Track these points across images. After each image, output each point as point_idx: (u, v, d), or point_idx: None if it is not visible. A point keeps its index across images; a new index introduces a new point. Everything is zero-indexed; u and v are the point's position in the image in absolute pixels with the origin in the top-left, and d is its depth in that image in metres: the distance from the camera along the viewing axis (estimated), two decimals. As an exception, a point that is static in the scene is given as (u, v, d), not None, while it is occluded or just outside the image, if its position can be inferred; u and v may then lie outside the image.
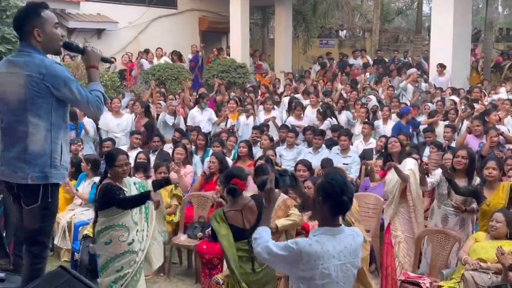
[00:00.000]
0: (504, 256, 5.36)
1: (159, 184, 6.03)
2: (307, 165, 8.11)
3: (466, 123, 11.13)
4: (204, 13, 21.28)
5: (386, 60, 22.52)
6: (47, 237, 4.18)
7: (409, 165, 6.82)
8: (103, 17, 17.82)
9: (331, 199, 3.35)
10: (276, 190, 3.65)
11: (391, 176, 6.90)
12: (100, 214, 5.59)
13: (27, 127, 3.88)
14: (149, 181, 6.21)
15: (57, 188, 4.10)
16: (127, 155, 5.93)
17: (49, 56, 4.08)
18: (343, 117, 12.24)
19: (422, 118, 11.88)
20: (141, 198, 5.59)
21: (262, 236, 3.48)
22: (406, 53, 25.19)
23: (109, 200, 5.52)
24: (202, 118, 12.36)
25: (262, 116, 12.42)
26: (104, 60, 4.47)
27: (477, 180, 6.67)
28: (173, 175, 8.02)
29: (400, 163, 6.93)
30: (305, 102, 13.46)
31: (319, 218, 3.49)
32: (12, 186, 3.99)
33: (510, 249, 5.50)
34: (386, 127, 11.43)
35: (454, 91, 14.08)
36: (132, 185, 5.80)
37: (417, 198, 6.81)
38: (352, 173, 9.66)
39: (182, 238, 7.76)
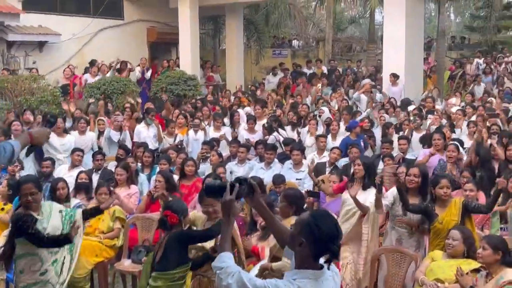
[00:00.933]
0: (464, 277, 5.21)
1: (90, 214, 5.78)
2: (258, 182, 7.89)
3: (415, 134, 11.14)
4: (153, 24, 20.90)
5: (340, 70, 22.52)
6: None
7: (372, 197, 6.65)
8: (45, 29, 17.29)
9: (318, 245, 3.00)
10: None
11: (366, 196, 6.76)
12: (16, 240, 5.41)
13: None
14: (78, 211, 5.92)
15: None
16: (37, 183, 5.73)
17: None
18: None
19: (378, 130, 11.79)
20: (58, 241, 5.44)
21: (229, 264, 3.04)
22: (359, 62, 25.31)
23: (20, 231, 5.35)
24: (148, 134, 12.02)
25: (212, 133, 12.13)
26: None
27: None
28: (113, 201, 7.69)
29: (364, 186, 6.81)
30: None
31: (298, 257, 3.10)
32: None
33: (469, 269, 5.36)
34: (335, 143, 11.25)
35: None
36: (55, 213, 5.55)
37: (374, 225, 6.71)
38: (305, 189, 9.46)
39: (126, 263, 7.43)
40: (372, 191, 6.78)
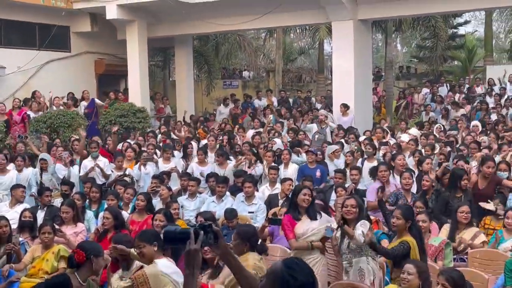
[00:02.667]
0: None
1: None
2: (210, 217, 7.74)
3: (367, 164, 11.18)
4: (101, 56, 20.62)
5: (291, 100, 22.63)
6: None
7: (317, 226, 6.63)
8: (-11, 62, 16.92)
9: None
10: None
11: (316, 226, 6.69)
12: None
13: None
14: None
15: None
16: None
17: None
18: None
19: (341, 160, 11.76)
20: None
21: None
22: (309, 92, 25.50)
23: None
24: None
25: (161, 165, 11.92)
26: None
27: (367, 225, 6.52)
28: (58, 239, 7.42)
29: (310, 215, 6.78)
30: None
31: None
32: None
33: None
34: (287, 171, 11.23)
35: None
36: None
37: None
38: (258, 222, 9.29)
39: (72, 306, 7.08)
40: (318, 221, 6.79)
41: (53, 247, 7.26)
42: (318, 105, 20.02)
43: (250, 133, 15.15)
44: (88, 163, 11.86)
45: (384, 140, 12.80)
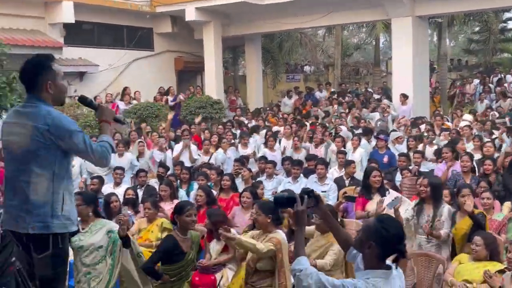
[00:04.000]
0: (492, 279, 5.20)
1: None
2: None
3: (429, 148, 11.15)
4: (179, 54, 21.11)
5: (349, 91, 22.60)
6: (62, 282, 3.91)
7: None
8: (84, 61, 17.51)
9: (387, 246, 3.03)
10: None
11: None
12: None
13: (30, 177, 3.65)
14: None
15: (67, 236, 3.84)
16: (85, 197, 5.82)
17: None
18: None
19: (402, 146, 11.77)
20: None
21: (307, 266, 3.08)
22: (367, 85, 25.35)
23: None
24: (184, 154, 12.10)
25: (240, 150, 12.22)
26: (117, 120, 4.24)
27: (445, 207, 6.59)
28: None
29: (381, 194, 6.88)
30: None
31: (367, 259, 3.12)
32: (21, 236, 3.71)
33: (495, 270, 5.35)
34: (354, 155, 11.33)
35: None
36: (102, 232, 5.65)
37: None
38: (330, 200, 9.45)
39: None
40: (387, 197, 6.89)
41: (157, 220, 7.59)
42: (376, 96, 20.00)
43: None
44: (179, 148, 12.28)
45: (444, 127, 12.70)
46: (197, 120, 14.10)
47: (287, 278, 5.49)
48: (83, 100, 4.15)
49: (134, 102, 16.65)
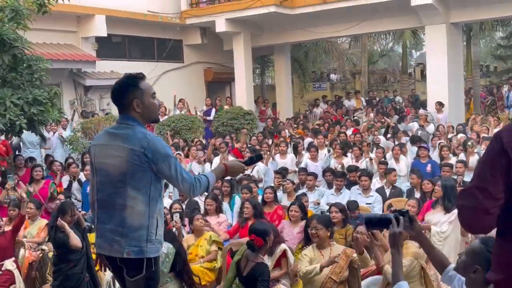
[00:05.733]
0: None
1: None
2: (340, 207, 7.81)
3: (472, 158, 10.93)
4: (209, 65, 21.15)
5: (377, 99, 22.45)
6: None
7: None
8: (117, 74, 17.54)
9: None
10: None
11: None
12: None
13: (125, 200, 3.62)
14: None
15: (158, 259, 3.83)
16: None
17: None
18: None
19: (435, 154, 11.61)
20: None
21: None
22: (395, 92, 25.14)
23: None
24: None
25: (278, 161, 12.12)
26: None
27: None
28: None
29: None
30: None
31: (471, 284, 3.03)
32: (115, 259, 3.70)
33: None
34: (399, 166, 11.18)
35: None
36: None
37: None
38: (376, 212, 9.33)
39: (225, 286, 7.35)
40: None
41: (205, 234, 7.55)
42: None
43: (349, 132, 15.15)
44: (218, 160, 12.19)
45: (486, 135, 12.46)
46: (244, 131, 13.95)
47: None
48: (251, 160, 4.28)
49: (177, 111, 16.61)
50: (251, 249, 5.44)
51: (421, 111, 16.11)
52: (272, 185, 10.17)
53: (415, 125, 14.60)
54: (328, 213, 7.63)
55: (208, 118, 17.73)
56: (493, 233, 2.69)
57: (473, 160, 10.83)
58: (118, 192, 3.62)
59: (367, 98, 22.92)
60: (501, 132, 2.50)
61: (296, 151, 12.91)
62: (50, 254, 7.18)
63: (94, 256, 6.49)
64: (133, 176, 3.60)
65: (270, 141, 14.42)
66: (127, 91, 3.75)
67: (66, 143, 13.52)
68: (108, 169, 3.67)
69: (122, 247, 3.61)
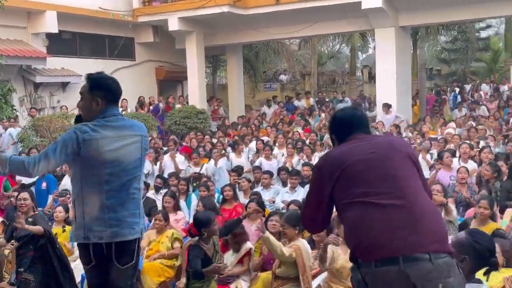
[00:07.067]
0: (512, 283, 5.34)
1: None
2: (298, 205, 7.97)
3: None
4: (161, 64, 21.08)
5: (327, 100, 22.89)
6: None
7: None
8: (67, 71, 17.33)
9: (480, 260, 3.18)
10: None
11: None
12: None
13: (139, 183, 3.99)
14: None
15: None
16: None
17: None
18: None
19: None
20: None
21: None
22: (344, 93, 25.65)
23: None
24: (171, 163, 12.10)
25: (234, 158, 12.27)
26: None
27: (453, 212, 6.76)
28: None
29: None
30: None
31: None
32: (102, 248, 3.84)
33: (513, 275, 5.50)
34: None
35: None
36: None
37: None
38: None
39: (185, 281, 7.43)
40: None
41: (166, 231, 7.62)
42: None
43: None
44: (167, 159, 12.23)
45: (432, 136, 12.96)
46: (154, 135, 13.93)
47: (310, 283, 5.62)
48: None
49: (121, 110, 16.49)
50: (190, 235, 5.77)
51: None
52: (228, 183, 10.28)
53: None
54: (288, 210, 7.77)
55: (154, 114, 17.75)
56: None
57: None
58: (134, 177, 3.91)
59: (316, 99, 23.30)
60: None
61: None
62: (7, 252, 7.10)
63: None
64: (143, 160, 4.02)
65: (225, 140, 14.56)
66: (119, 87, 4.08)
67: (17, 140, 13.30)
68: (123, 158, 3.84)
69: (140, 228, 3.95)
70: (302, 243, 5.77)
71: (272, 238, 5.61)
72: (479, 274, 3.61)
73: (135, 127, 3.99)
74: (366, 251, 2.91)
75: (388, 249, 2.84)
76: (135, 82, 19.70)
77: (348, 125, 3.27)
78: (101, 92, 3.92)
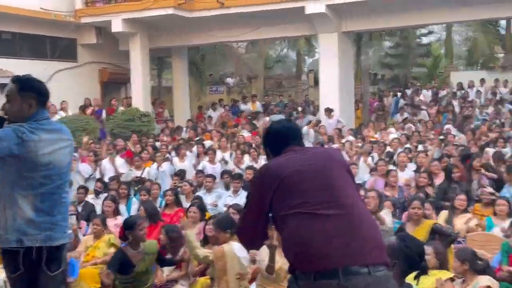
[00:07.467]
0: (443, 286, 5.49)
1: None
2: (237, 209, 8.01)
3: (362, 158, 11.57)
4: (104, 65, 20.75)
5: (274, 104, 23.01)
6: None
7: None
8: (5, 72, 16.79)
9: (410, 264, 3.23)
10: None
11: None
12: None
13: (67, 188, 4.00)
14: None
15: None
16: None
17: None
18: None
19: None
20: None
21: None
22: (290, 97, 25.88)
23: None
24: (111, 167, 11.94)
25: (177, 162, 12.19)
26: None
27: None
28: None
29: None
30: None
31: None
32: (32, 253, 3.75)
33: (446, 278, 5.65)
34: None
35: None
36: None
37: None
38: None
39: None
40: None
41: (104, 236, 7.52)
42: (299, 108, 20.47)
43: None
44: (106, 163, 12.07)
45: (373, 139, 13.21)
46: (85, 139, 13.71)
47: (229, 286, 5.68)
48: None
49: (61, 113, 16.17)
50: (121, 239, 5.95)
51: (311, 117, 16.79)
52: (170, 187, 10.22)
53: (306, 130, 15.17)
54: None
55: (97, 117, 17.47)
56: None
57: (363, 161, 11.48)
58: (65, 182, 3.93)
59: (263, 103, 23.40)
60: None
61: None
62: None
63: None
64: (71, 165, 4.11)
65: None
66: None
67: None
68: (57, 162, 3.84)
69: (66, 231, 3.93)
70: (231, 246, 5.79)
71: (191, 238, 5.72)
72: (410, 279, 3.70)
73: (64, 131, 3.99)
74: (305, 263, 2.92)
75: (327, 260, 2.86)
76: (77, 84, 19.36)
77: (284, 137, 3.28)
78: (33, 94, 3.86)
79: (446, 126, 14.99)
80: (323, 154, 3.29)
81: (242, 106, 22.13)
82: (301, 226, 2.94)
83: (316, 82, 30.53)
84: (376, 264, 2.88)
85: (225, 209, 9.42)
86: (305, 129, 15.40)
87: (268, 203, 3.07)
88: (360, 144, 12.39)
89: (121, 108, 18.44)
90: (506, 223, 7.36)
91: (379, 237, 3.04)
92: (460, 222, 7.72)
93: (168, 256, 6.76)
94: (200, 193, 10.50)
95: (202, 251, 5.68)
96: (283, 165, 3.12)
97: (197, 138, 15.10)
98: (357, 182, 10.18)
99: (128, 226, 5.93)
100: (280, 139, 3.29)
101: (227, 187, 10.73)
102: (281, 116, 16.31)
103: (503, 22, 25.54)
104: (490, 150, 11.01)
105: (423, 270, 3.26)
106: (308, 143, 14.25)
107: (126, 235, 5.99)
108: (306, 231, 2.93)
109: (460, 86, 20.73)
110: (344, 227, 2.92)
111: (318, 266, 2.87)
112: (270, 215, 3.15)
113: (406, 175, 9.87)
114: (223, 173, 11.10)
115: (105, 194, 9.46)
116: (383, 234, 6.57)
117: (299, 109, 20.41)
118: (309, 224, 2.93)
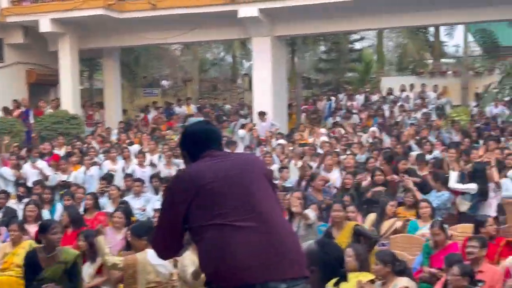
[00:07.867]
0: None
1: None
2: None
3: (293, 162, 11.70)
4: (32, 66, 20.10)
5: (208, 107, 22.97)
6: None
7: None
8: None
9: (329, 270, 3.14)
10: None
11: None
12: None
13: None
14: None
15: None
16: None
17: None
18: None
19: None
20: None
21: None
22: (225, 100, 25.89)
23: None
24: (34, 171, 11.61)
25: (107, 166, 11.95)
26: None
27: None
28: None
29: None
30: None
31: (310, 284, 3.15)
32: None
33: (366, 280, 5.74)
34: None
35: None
36: None
37: None
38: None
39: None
40: None
41: (23, 242, 7.26)
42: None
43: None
44: (27, 167, 11.73)
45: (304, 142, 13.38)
46: (5, 142, 13.34)
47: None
48: None
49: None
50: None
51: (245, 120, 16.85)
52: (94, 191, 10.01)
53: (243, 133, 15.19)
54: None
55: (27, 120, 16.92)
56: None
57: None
58: None
59: (198, 106, 23.28)
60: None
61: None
62: None
63: None
64: None
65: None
66: None
67: None
68: None
69: None
70: (145, 254, 5.67)
71: (101, 245, 5.64)
72: (330, 285, 3.71)
73: None
74: (227, 276, 2.84)
75: (249, 273, 2.80)
76: (3, 85, 18.71)
77: (202, 141, 3.13)
78: None
79: (371, 129, 15.29)
80: (244, 161, 3.17)
81: (177, 109, 21.98)
82: (222, 238, 2.84)
83: (251, 85, 30.71)
84: (295, 278, 2.85)
85: (153, 213, 9.33)
86: (240, 132, 15.44)
87: (183, 213, 2.94)
88: (291, 148, 12.49)
89: (50, 110, 17.94)
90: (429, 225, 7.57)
91: (298, 249, 3.00)
92: (386, 226, 7.91)
93: (87, 263, 6.61)
94: (129, 197, 10.35)
95: (112, 258, 5.58)
96: (200, 173, 2.98)
97: (128, 141, 14.87)
98: (288, 185, 10.42)
99: (42, 229, 5.78)
100: (198, 142, 3.14)
101: (156, 191, 10.59)
102: (200, 118, 16.22)
103: (432, 30, 26.34)
104: (413, 154, 11.31)
105: (343, 277, 3.22)
106: (242, 147, 14.31)
107: (39, 238, 5.86)
108: (226, 244, 2.84)
109: (390, 91, 21.22)
110: (266, 240, 2.86)
111: (241, 280, 2.80)
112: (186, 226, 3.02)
113: (332, 176, 10.03)
114: (152, 176, 10.96)
115: (28, 199, 9.13)
116: (307, 229, 6.68)
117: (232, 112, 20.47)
118: (229, 237, 2.84)
